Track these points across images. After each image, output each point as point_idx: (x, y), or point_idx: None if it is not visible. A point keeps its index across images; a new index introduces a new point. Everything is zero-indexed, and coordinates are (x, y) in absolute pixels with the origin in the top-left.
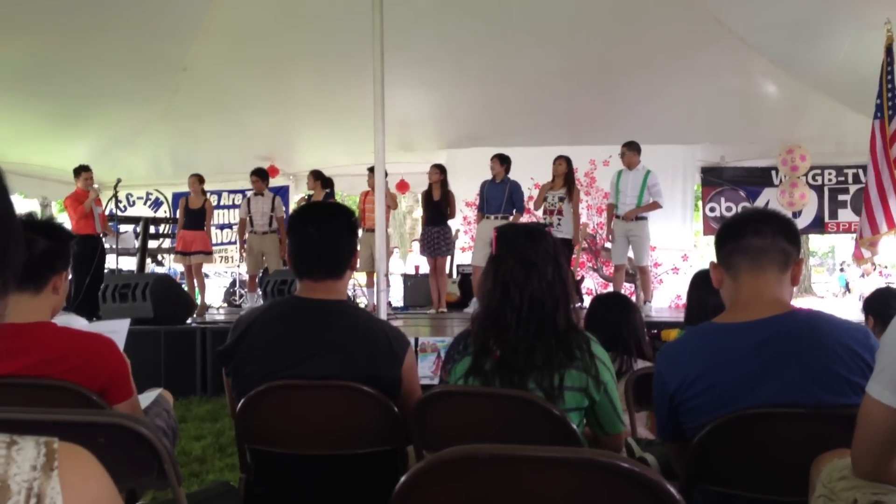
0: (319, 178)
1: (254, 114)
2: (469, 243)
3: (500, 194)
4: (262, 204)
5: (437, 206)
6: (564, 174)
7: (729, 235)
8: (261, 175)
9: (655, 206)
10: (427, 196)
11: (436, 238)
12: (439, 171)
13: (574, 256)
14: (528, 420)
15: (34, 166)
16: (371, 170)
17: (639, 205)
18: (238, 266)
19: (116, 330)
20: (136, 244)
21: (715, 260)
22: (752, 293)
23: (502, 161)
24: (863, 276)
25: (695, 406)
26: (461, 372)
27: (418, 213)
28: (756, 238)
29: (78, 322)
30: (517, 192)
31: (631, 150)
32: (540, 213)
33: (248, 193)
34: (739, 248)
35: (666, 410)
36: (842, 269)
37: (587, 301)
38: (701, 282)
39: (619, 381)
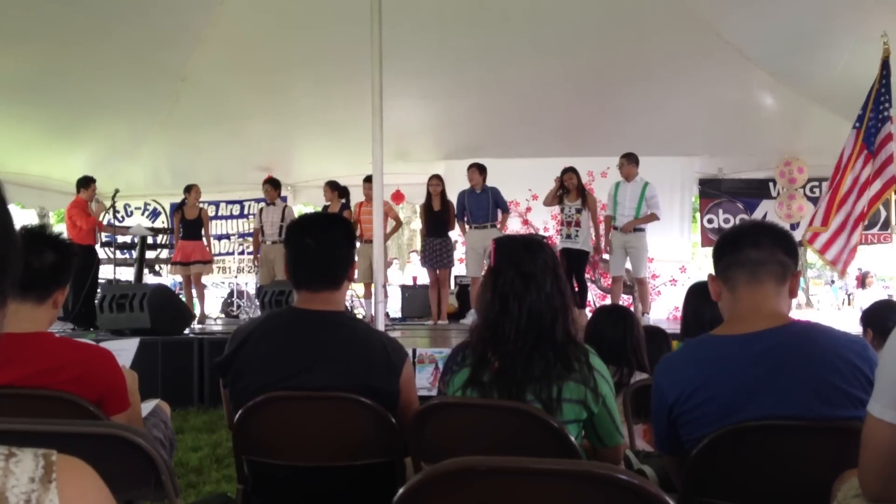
0: (336, 189)
1: (253, 124)
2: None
3: (484, 203)
4: (273, 214)
5: (438, 216)
6: (577, 185)
7: (727, 248)
8: (272, 184)
9: (653, 217)
10: (427, 207)
11: (438, 250)
12: (439, 181)
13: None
14: (526, 432)
15: (33, 176)
16: (366, 180)
17: (637, 216)
18: (236, 276)
19: (126, 348)
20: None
21: (713, 272)
22: (751, 305)
23: (481, 171)
24: (863, 287)
25: (693, 418)
26: (459, 383)
27: (416, 224)
28: (754, 250)
29: None
30: (499, 196)
31: (629, 161)
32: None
33: (261, 203)
34: (737, 261)
35: (664, 423)
36: (832, 282)
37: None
38: (696, 294)
39: (617, 394)
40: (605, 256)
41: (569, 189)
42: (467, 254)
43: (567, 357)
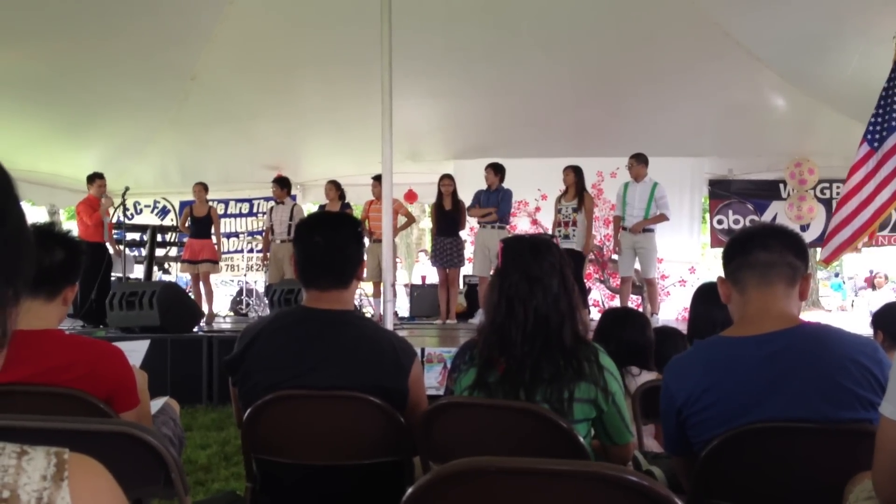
0: (339, 189)
1: (262, 123)
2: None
3: (493, 203)
4: (282, 212)
5: (450, 216)
6: (574, 184)
7: (736, 250)
8: (280, 183)
9: (663, 218)
10: (438, 206)
11: (448, 249)
12: (450, 180)
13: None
14: (535, 432)
15: (43, 174)
16: (376, 179)
17: (646, 217)
18: (245, 275)
19: (136, 349)
20: (143, 253)
21: (722, 275)
22: (760, 307)
23: (496, 171)
24: (874, 288)
25: (702, 420)
26: (466, 384)
27: (425, 223)
28: (763, 252)
29: None
30: (505, 200)
31: (638, 162)
32: (550, 221)
33: (272, 202)
34: (747, 263)
35: (673, 424)
36: (840, 281)
37: (594, 313)
38: (706, 296)
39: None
40: (614, 257)
41: (566, 186)
42: (475, 253)
43: (578, 360)
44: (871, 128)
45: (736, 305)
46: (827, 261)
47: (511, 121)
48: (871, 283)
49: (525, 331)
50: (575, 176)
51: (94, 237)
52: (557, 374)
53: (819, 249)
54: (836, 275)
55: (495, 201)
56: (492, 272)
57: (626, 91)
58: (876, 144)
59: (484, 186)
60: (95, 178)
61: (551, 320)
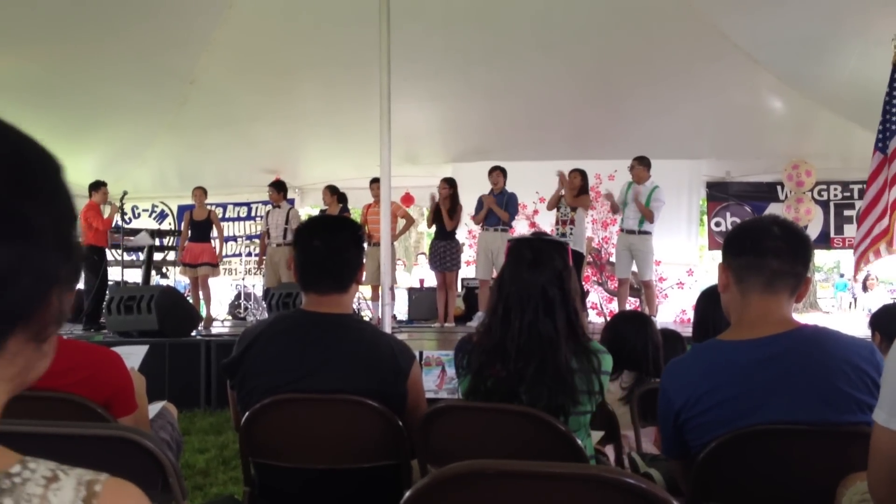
0: (335, 193)
1: (261, 126)
2: (474, 256)
3: (499, 206)
4: (278, 216)
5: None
6: (580, 187)
7: (748, 248)
8: (277, 187)
9: (648, 214)
10: (435, 210)
11: (444, 253)
12: (449, 185)
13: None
14: (533, 436)
15: None
16: (374, 181)
17: (640, 221)
18: (243, 278)
19: (134, 353)
20: (141, 257)
21: (723, 262)
22: (761, 313)
23: (503, 174)
24: (865, 290)
25: (700, 423)
26: (463, 390)
27: (423, 226)
28: (776, 260)
29: None
30: (511, 204)
31: (640, 164)
32: (549, 225)
33: (269, 206)
34: (757, 267)
35: (671, 427)
36: (842, 275)
37: (591, 316)
38: (714, 298)
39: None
40: (612, 259)
41: (574, 187)
42: (478, 256)
43: (573, 383)
44: (879, 135)
45: (733, 301)
46: (857, 270)
47: (509, 123)
48: (864, 285)
49: (519, 344)
50: (582, 180)
51: (96, 241)
52: (552, 396)
53: (816, 252)
54: (842, 275)
55: (501, 205)
56: (494, 275)
57: (625, 93)
58: (888, 151)
59: (483, 190)
60: (100, 186)
61: (546, 337)
